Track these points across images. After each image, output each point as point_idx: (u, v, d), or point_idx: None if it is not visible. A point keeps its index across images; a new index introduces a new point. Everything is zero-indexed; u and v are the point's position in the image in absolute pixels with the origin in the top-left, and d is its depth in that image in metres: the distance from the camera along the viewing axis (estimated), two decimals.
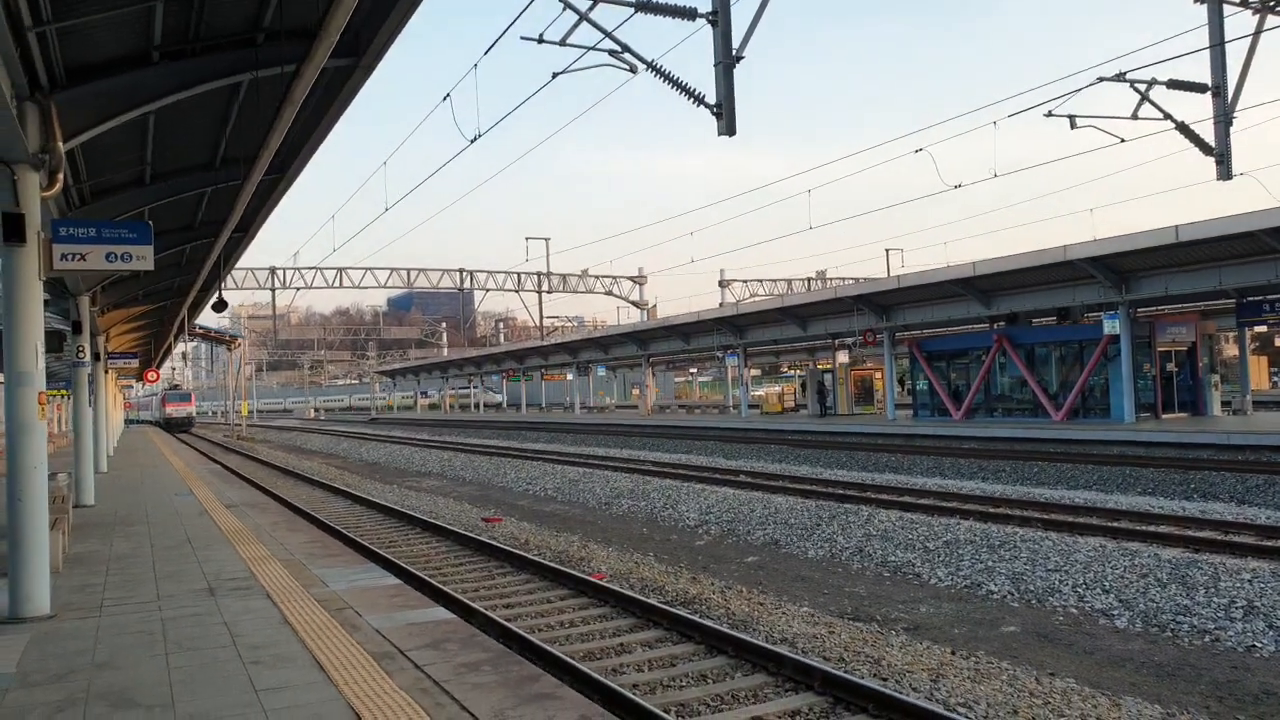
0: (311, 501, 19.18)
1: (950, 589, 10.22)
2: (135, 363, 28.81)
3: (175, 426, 63.01)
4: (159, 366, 42.77)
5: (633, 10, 11.07)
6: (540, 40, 11.79)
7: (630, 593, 9.33)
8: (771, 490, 17.45)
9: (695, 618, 8.21)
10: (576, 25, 11.54)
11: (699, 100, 11.23)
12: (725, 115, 10.55)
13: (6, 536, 6.80)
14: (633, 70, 11.61)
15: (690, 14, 11.31)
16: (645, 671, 7.08)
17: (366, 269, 48.94)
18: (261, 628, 6.33)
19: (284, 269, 46.46)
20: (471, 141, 10.65)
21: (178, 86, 7.00)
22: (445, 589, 9.71)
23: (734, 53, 10.81)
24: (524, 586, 10.39)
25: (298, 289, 45.41)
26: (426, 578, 10.36)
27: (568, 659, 6.90)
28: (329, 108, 7.74)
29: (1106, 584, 9.55)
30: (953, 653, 7.55)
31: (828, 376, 39.41)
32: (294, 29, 6.40)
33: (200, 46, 7.02)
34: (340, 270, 47.66)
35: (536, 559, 11.38)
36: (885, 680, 6.69)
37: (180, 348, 64.31)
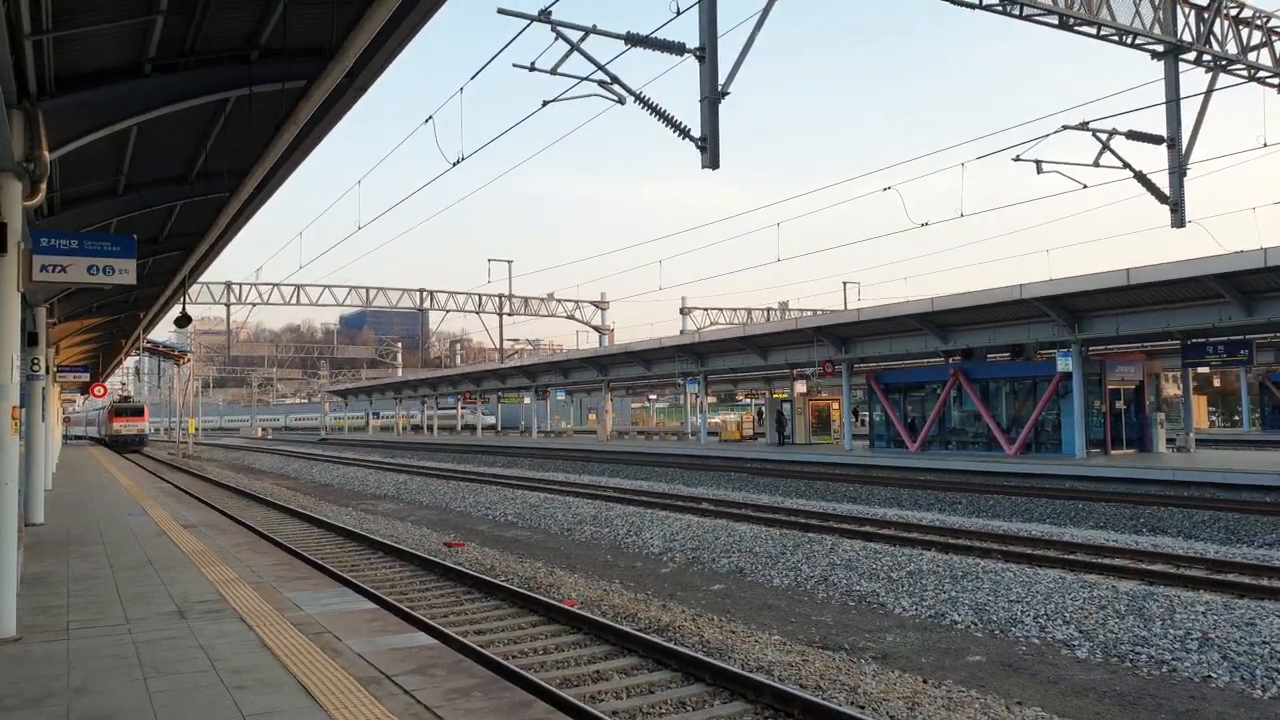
0: (268, 523, 18.84)
1: (915, 619, 10.36)
2: (85, 376, 28.10)
3: (124, 445, 54.87)
4: (105, 380, 41.71)
5: (624, 44, 11.26)
6: (532, 68, 11.92)
7: (603, 620, 9.32)
8: (735, 518, 17.54)
9: (671, 645, 8.23)
10: (568, 55, 11.69)
11: (684, 134, 11.42)
12: (710, 149, 10.74)
13: None
14: (621, 101, 11.79)
15: (679, 49, 11.53)
16: (624, 699, 7.09)
17: (325, 286, 48.41)
18: (240, 651, 6.23)
19: (240, 284, 45.78)
20: (454, 164, 10.71)
21: (169, 99, 6.95)
22: (415, 614, 9.61)
23: (719, 88, 11.05)
24: (494, 612, 10.31)
25: (253, 305, 44.74)
26: (394, 602, 10.25)
27: (550, 687, 6.88)
28: (315, 127, 7.74)
29: (1067, 615, 9.77)
30: (924, 681, 7.67)
31: (787, 406, 39.79)
32: (297, 47, 6.41)
33: (194, 60, 6.99)
34: (298, 287, 47.07)
35: (505, 584, 11.31)
36: (863, 708, 6.78)
37: (130, 361, 62.05)
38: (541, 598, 10.45)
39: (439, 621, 9.46)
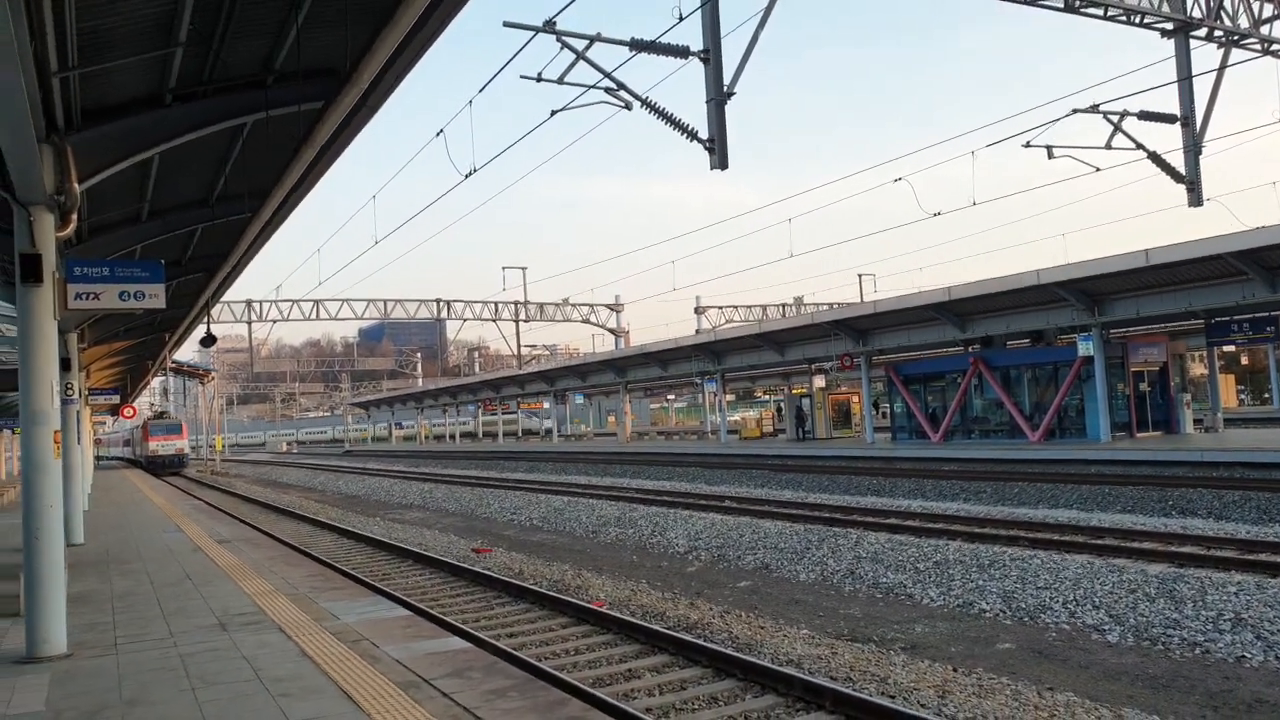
0: (299, 536, 19.08)
1: (943, 609, 10.40)
2: (115, 398, 28.57)
3: (161, 466, 49.05)
4: (134, 401, 42.28)
5: (629, 49, 11.41)
6: (539, 79, 12.10)
7: (633, 619, 9.44)
8: (758, 515, 17.61)
9: (700, 642, 8.33)
10: (574, 64, 11.87)
11: (692, 135, 11.54)
12: (718, 150, 10.85)
13: (23, 575, 6.82)
14: (628, 106, 11.93)
15: (684, 52, 11.65)
16: (657, 696, 7.19)
17: (343, 300, 48.89)
18: (281, 661, 6.39)
19: (260, 301, 46.32)
20: (466, 176, 10.88)
21: (191, 127, 7.15)
22: (447, 619, 9.76)
23: (725, 89, 11.16)
24: (524, 615, 10.45)
25: (274, 321, 45.25)
26: (426, 608, 10.40)
27: (584, 686, 7.00)
28: (331, 146, 7.90)
29: (1096, 600, 9.78)
30: (954, 670, 7.73)
31: (806, 401, 39.78)
32: (311, 69, 6.58)
33: (212, 88, 7.18)
34: (317, 302, 47.56)
35: (533, 588, 11.45)
36: (893, 698, 6.85)
37: (156, 382, 62.55)
38: (571, 599, 10.57)
39: (471, 626, 9.60)
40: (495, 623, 10.12)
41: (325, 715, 5.13)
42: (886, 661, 8.02)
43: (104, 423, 67.67)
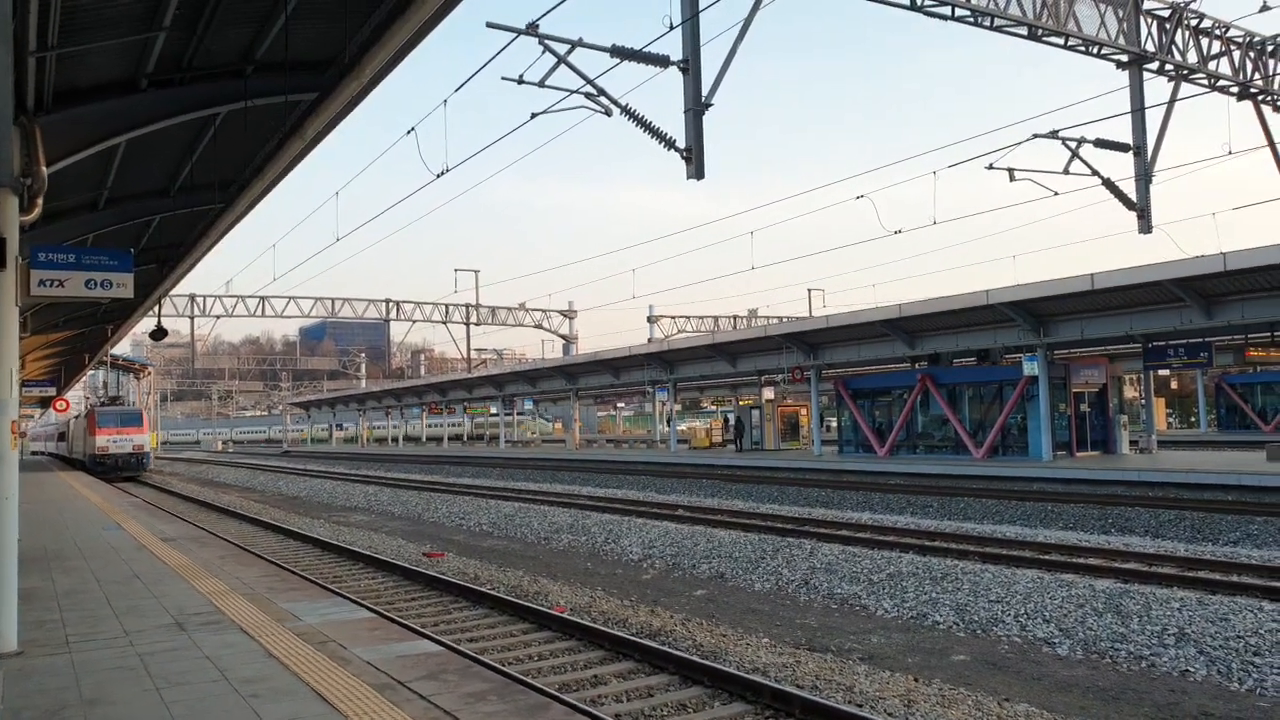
0: (244, 537, 18.65)
1: (898, 620, 10.56)
2: (51, 390, 27.61)
3: (114, 469, 37.20)
4: (66, 394, 40.90)
5: (610, 56, 11.42)
6: (520, 81, 12.05)
7: (597, 625, 9.42)
8: (712, 524, 17.69)
9: (666, 649, 8.35)
10: (555, 68, 11.84)
11: (670, 144, 11.61)
12: (695, 160, 10.94)
13: None
14: (608, 113, 11.96)
15: (663, 61, 11.72)
16: (625, 702, 7.19)
17: (290, 298, 47.98)
18: (248, 661, 6.25)
19: (204, 296, 45.22)
20: (438, 176, 10.77)
21: (166, 114, 6.98)
22: (415, 623, 9.62)
23: (704, 99, 11.26)
24: (484, 620, 10.36)
25: (218, 317, 44.22)
26: (383, 612, 10.24)
27: (553, 692, 6.96)
28: (319, 139, 7.76)
29: (1046, 614, 10.02)
30: (916, 680, 7.86)
31: (756, 413, 40.11)
32: (300, 60, 6.46)
33: (190, 75, 7.02)
34: (263, 299, 46.61)
35: (491, 593, 11.35)
36: (860, 706, 6.94)
37: (89, 375, 60.48)
38: (531, 605, 10.51)
39: (430, 630, 9.48)
40: (455, 627, 10.01)
41: (301, 716, 5.03)
42: (849, 671, 8.12)
43: (31, 416, 65.20)
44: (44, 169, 6.62)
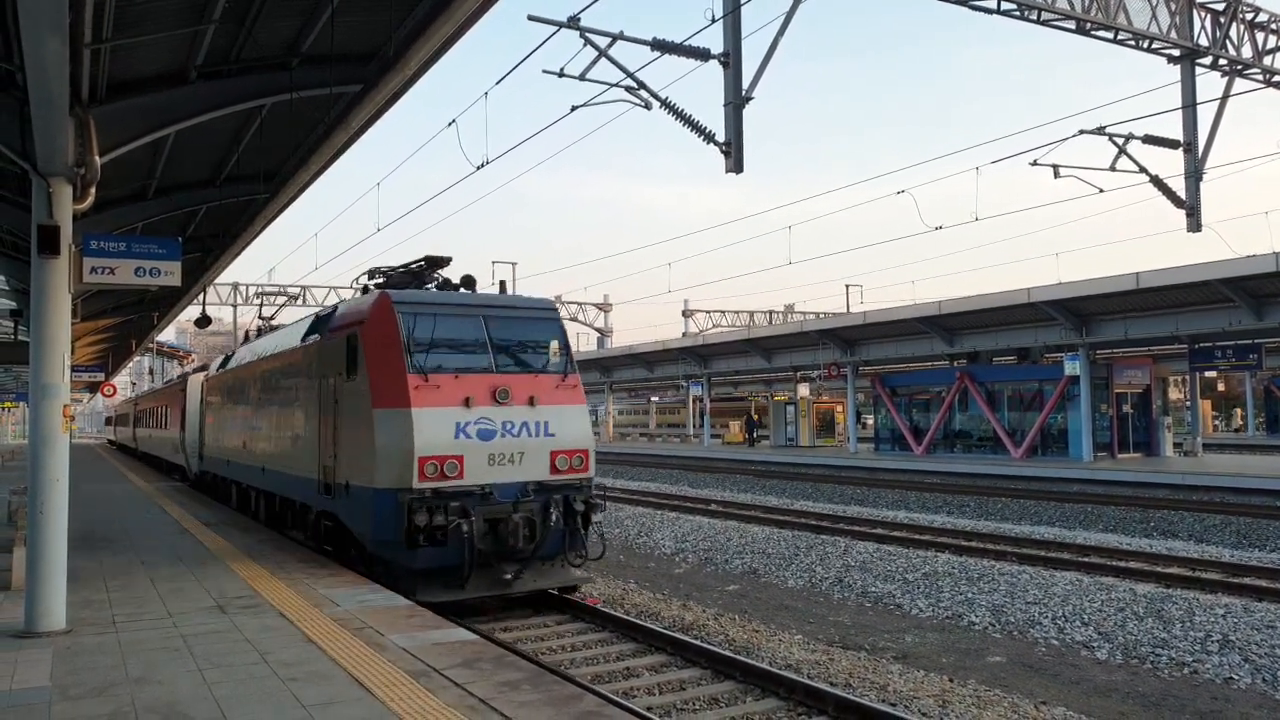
0: None
1: (932, 620, 10.47)
2: (100, 375, 28.25)
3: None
4: (114, 380, 41.77)
5: (650, 49, 11.44)
6: (561, 74, 12.11)
7: (629, 618, 9.44)
8: (745, 520, 17.66)
9: (700, 643, 8.35)
10: (595, 61, 11.88)
11: (709, 138, 11.59)
12: (734, 153, 10.91)
13: (26, 549, 6.74)
14: (647, 106, 11.97)
15: (704, 55, 11.71)
16: (657, 695, 7.20)
17: (331, 288, 48.43)
18: (287, 645, 6.36)
19: (247, 285, 45.84)
20: (479, 168, 10.85)
21: (214, 105, 7.10)
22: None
23: (744, 93, 11.22)
24: (517, 610, 10.42)
25: (260, 304, 44.78)
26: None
27: (585, 683, 6.99)
28: (363, 130, 7.85)
29: (1085, 617, 9.89)
30: (950, 680, 7.79)
31: (790, 409, 39.94)
32: (344, 53, 6.54)
33: (237, 68, 7.13)
34: (304, 288, 47.12)
35: None
36: (894, 705, 6.90)
37: (134, 362, 61.66)
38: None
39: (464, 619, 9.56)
40: (488, 618, 10.08)
41: (338, 700, 5.11)
42: (883, 669, 8.07)
43: (79, 400, 66.66)
44: (97, 159, 6.77)
